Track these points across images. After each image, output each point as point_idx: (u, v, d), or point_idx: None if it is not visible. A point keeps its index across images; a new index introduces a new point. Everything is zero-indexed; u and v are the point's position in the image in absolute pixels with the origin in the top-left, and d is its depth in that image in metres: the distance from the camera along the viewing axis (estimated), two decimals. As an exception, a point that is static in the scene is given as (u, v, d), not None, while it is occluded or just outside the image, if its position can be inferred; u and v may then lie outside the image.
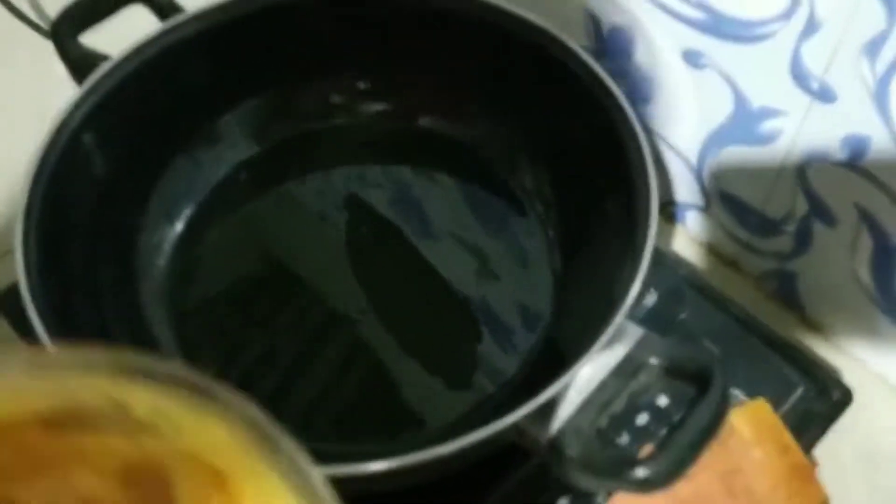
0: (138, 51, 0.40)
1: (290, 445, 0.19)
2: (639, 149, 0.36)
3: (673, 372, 0.33)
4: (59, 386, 0.19)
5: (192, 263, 0.44)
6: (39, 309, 0.33)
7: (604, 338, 0.32)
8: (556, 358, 0.38)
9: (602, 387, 0.33)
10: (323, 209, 0.45)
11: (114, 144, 0.40)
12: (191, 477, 0.20)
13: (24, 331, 0.43)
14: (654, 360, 0.33)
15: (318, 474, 0.19)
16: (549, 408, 0.32)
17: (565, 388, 0.32)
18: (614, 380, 0.33)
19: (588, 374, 0.33)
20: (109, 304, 0.38)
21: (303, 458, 0.19)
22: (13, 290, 0.42)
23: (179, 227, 0.43)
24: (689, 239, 0.52)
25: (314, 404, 0.41)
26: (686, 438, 0.30)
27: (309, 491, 0.19)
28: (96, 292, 0.38)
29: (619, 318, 0.32)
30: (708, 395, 0.30)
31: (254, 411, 0.19)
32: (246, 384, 0.40)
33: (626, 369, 0.33)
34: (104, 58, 0.40)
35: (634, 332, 0.34)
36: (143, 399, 0.19)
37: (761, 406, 0.40)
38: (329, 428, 0.40)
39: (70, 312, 0.35)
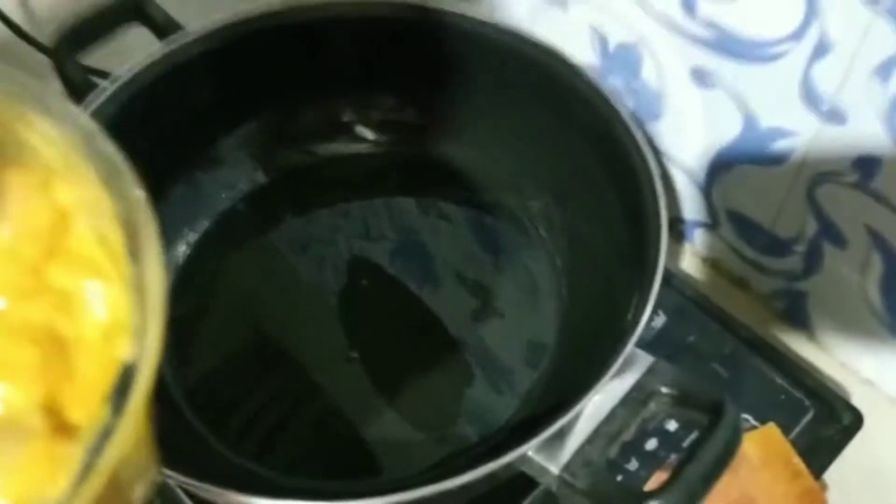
0: (138, 72, 0.39)
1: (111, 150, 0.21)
2: (649, 175, 0.35)
3: (683, 401, 0.32)
4: None
5: (191, 290, 0.43)
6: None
7: (615, 366, 0.31)
8: (558, 393, 0.37)
9: (612, 416, 0.32)
10: (322, 248, 0.45)
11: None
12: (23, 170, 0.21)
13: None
14: (664, 389, 0.32)
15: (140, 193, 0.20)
16: (559, 438, 0.31)
17: (575, 419, 0.31)
18: (624, 409, 0.32)
19: (598, 403, 0.32)
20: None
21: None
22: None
23: (180, 252, 0.43)
24: (696, 257, 0.51)
25: (299, 439, 0.40)
26: (698, 470, 0.30)
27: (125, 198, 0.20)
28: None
29: (630, 346, 0.32)
30: (720, 425, 0.30)
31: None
32: (235, 412, 0.40)
33: (636, 398, 0.33)
34: (104, 76, 0.40)
35: (644, 360, 0.33)
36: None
37: (771, 431, 0.39)
38: (320, 466, 0.40)
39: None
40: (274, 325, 0.43)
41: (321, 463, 0.40)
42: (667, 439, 0.40)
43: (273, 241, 0.45)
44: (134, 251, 0.19)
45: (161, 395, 0.39)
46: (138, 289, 0.19)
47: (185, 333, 0.41)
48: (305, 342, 0.43)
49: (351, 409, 0.41)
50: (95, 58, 0.41)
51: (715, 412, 0.31)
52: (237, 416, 0.40)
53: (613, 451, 0.32)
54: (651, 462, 0.39)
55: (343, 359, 0.42)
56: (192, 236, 0.44)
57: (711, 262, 0.51)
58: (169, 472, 0.30)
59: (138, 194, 0.20)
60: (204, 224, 0.44)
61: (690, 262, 0.51)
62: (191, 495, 0.39)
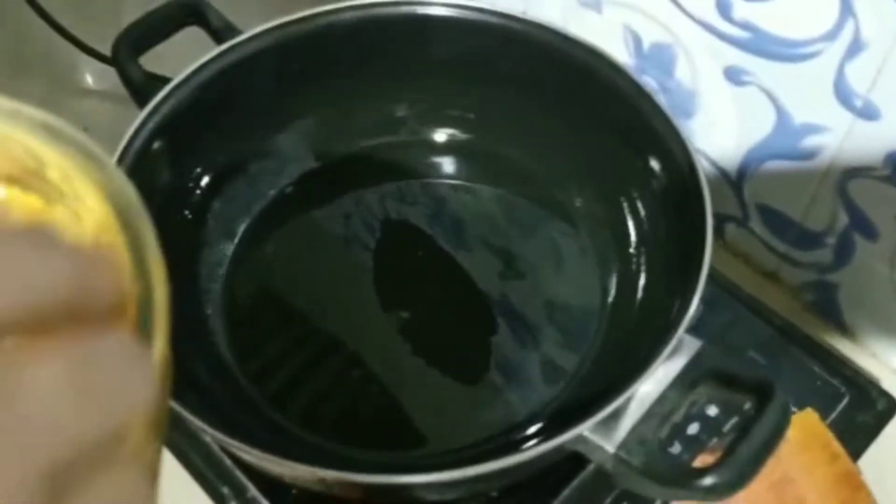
0: (198, 71, 0.41)
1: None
2: (694, 171, 0.37)
3: (731, 384, 0.34)
4: None
5: (245, 275, 0.45)
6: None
7: (667, 350, 0.33)
8: (604, 376, 0.39)
9: (663, 398, 0.34)
10: (369, 230, 0.46)
11: (176, 163, 0.41)
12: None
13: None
14: (712, 372, 0.34)
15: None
16: (614, 419, 0.33)
17: (628, 400, 0.33)
18: (674, 391, 0.34)
19: (648, 385, 0.34)
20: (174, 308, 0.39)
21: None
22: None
23: (236, 241, 0.45)
24: (727, 250, 0.53)
25: (353, 410, 0.42)
26: (750, 450, 0.31)
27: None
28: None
29: (681, 330, 0.33)
30: (770, 407, 0.31)
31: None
32: (289, 390, 0.41)
33: (684, 381, 0.34)
34: (164, 80, 0.41)
35: (692, 345, 0.35)
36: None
37: (810, 416, 0.41)
38: (372, 436, 0.41)
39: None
40: (320, 295, 0.45)
41: (366, 431, 0.41)
42: (708, 424, 0.41)
43: (319, 219, 0.47)
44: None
45: (212, 358, 0.41)
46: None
47: (243, 309, 0.43)
48: (351, 311, 0.44)
49: (398, 379, 0.42)
50: (153, 60, 0.43)
51: (763, 394, 0.32)
52: (284, 381, 0.42)
53: (664, 432, 0.34)
54: (693, 446, 0.41)
55: (390, 323, 0.43)
56: (246, 221, 0.45)
57: (742, 256, 0.52)
58: (215, 433, 0.32)
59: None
60: (257, 209, 0.46)
61: (721, 255, 0.53)
62: (234, 458, 0.40)
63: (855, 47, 0.38)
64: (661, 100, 0.40)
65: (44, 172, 0.21)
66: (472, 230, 0.46)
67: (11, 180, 0.21)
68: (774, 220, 0.49)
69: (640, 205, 0.42)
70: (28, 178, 0.21)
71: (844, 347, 0.48)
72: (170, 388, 0.20)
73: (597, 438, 0.33)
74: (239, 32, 0.42)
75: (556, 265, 0.44)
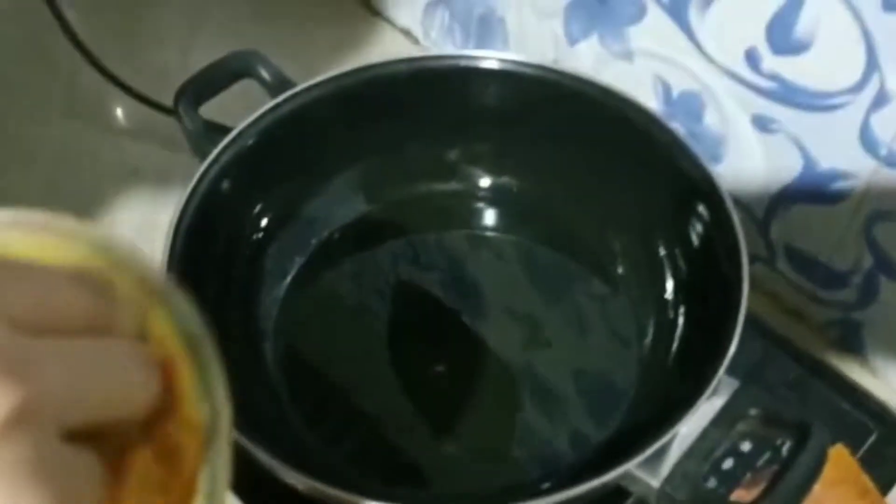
0: (257, 120, 0.43)
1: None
2: (728, 215, 0.39)
3: (770, 422, 0.35)
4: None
5: (295, 316, 0.47)
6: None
7: (709, 391, 0.35)
8: (646, 414, 0.40)
9: (704, 435, 0.35)
10: (413, 273, 0.48)
11: (237, 207, 0.43)
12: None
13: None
14: (752, 411, 0.35)
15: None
16: (659, 455, 0.35)
17: (673, 437, 0.35)
18: (715, 429, 0.36)
19: (691, 424, 0.35)
20: (234, 347, 0.42)
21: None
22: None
23: (288, 281, 0.47)
24: (753, 288, 0.54)
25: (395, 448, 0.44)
26: (790, 488, 0.33)
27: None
28: (225, 335, 0.41)
29: (722, 371, 0.35)
30: (809, 445, 0.33)
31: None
32: (335, 433, 0.43)
33: (725, 419, 0.36)
34: (223, 131, 0.44)
35: (730, 384, 0.36)
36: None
37: (840, 452, 0.42)
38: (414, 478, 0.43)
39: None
40: (357, 344, 0.47)
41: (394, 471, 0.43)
42: (741, 459, 0.43)
43: (363, 265, 0.49)
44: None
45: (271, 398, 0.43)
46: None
47: (293, 351, 0.45)
48: (387, 357, 0.46)
49: (429, 422, 0.44)
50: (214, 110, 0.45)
51: (802, 434, 0.34)
52: (327, 420, 0.44)
53: (705, 468, 0.36)
54: (729, 480, 0.42)
55: (422, 374, 0.45)
56: (299, 262, 0.47)
57: (769, 294, 0.54)
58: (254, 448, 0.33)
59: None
60: (309, 251, 0.48)
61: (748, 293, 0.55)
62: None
63: (880, 99, 0.40)
64: (698, 150, 0.42)
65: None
66: (510, 286, 0.48)
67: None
68: (801, 260, 0.51)
69: (677, 252, 0.44)
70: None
71: (869, 383, 0.50)
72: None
73: (643, 474, 0.34)
74: (292, 85, 0.45)
75: (583, 330, 0.46)
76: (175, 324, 0.22)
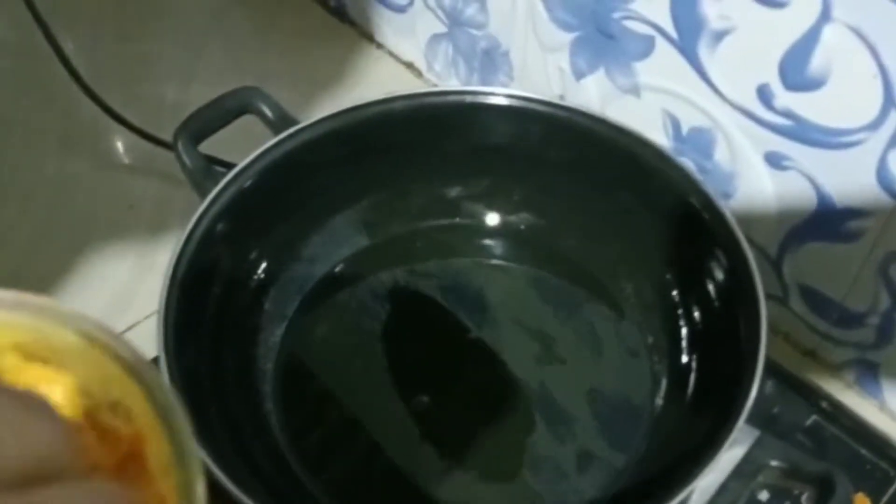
0: (257, 159, 0.42)
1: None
2: (743, 257, 0.37)
3: (792, 474, 0.34)
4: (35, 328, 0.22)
5: (295, 356, 0.45)
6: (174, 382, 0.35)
7: (728, 440, 0.33)
8: (660, 465, 0.39)
9: (724, 488, 0.34)
10: (414, 312, 0.47)
11: (236, 248, 0.42)
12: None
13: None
14: (773, 462, 0.34)
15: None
16: (677, 510, 0.33)
17: (691, 493, 0.33)
18: (735, 481, 0.34)
19: (710, 476, 0.34)
20: (232, 389, 0.40)
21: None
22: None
23: (287, 322, 0.45)
24: (766, 329, 0.53)
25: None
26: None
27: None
28: (217, 380, 0.40)
29: (742, 420, 0.34)
30: (834, 497, 0.32)
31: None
32: (340, 474, 0.42)
33: (745, 471, 0.34)
34: (222, 169, 0.42)
35: (750, 434, 0.35)
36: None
37: (861, 501, 0.41)
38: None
39: (196, 391, 0.37)
40: (362, 378, 0.46)
41: None
42: (760, 509, 0.41)
43: (366, 300, 0.48)
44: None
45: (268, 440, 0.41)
46: None
47: (293, 391, 0.44)
48: (387, 398, 0.45)
49: (437, 451, 0.42)
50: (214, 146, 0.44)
51: (825, 486, 0.32)
52: (329, 463, 0.42)
53: (725, 523, 0.34)
54: (746, 532, 0.41)
55: (430, 400, 0.44)
56: (297, 301, 0.46)
57: (782, 334, 0.53)
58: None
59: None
60: (307, 288, 0.47)
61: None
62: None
63: (898, 137, 0.39)
64: (711, 189, 0.41)
65: (82, 359, 0.22)
66: (520, 316, 0.47)
67: (46, 361, 0.22)
68: (815, 299, 0.49)
69: (692, 297, 0.43)
70: (65, 359, 0.22)
71: (886, 425, 0.48)
72: None
73: (660, 530, 0.33)
74: (294, 122, 0.44)
75: (599, 352, 0.45)
76: (146, 396, 0.22)
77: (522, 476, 0.42)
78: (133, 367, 0.22)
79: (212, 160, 0.44)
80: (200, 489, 0.21)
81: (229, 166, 0.43)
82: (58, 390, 0.22)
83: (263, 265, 0.45)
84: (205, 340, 0.40)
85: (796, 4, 0.39)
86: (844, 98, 0.41)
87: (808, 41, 0.40)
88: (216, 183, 0.41)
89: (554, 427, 0.43)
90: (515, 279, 0.48)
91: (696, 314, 0.43)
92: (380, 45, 0.69)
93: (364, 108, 0.44)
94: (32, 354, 0.22)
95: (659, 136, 0.50)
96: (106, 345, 0.22)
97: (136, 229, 0.57)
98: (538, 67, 0.55)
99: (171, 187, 0.57)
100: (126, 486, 0.21)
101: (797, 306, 0.51)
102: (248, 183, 0.41)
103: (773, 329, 0.53)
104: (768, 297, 0.52)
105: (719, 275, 0.41)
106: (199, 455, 0.21)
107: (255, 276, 0.45)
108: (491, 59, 0.59)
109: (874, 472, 0.43)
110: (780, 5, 0.40)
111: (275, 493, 0.37)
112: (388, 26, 0.67)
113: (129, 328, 0.52)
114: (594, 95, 0.52)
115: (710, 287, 0.42)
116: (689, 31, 0.44)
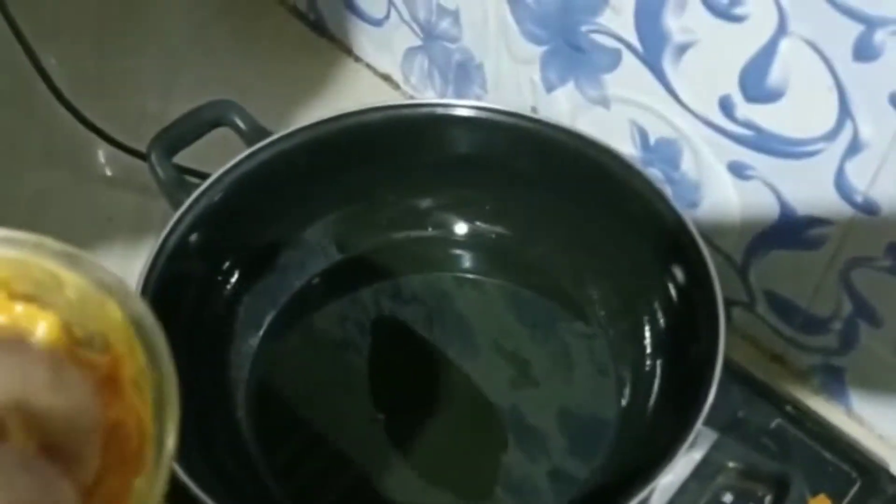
0: (230, 170, 0.43)
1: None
2: (704, 266, 0.38)
3: (749, 475, 0.35)
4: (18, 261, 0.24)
5: (269, 368, 0.46)
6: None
7: (688, 441, 0.34)
8: (624, 467, 0.40)
9: (683, 488, 0.35)
10: (383, 327, 0.48)
11: (209, 257, 0.43)
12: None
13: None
14: (731, 464, 0.35)
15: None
16: (637, 511, 0.34)
17: (651, 493, 0.34)
18: (694, 482, 0.35)
19: (669, 477, 0.35)
20: (204, 396, 0.41)
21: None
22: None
23: (261, 333, 0.46)
24: (733, 334, 0.54)
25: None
26: (771, 540, 0.32)
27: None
28: (190, 390, 0.41)
29: (700, 423, 0.34)
30: (789, 497, 0.32)
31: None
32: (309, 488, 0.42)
33: (705, 472, 0.35)
34: (196, 181, 0.43)
35: (709, 436, 0.36)
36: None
37: (822, 502, 0.42)
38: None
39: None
40: (334, 392, 0.46)
41: None
42: (724, 511, 0.42)
43: (338, 314, 0.48)
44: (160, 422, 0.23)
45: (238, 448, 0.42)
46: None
47: (267, 402, 0.45)
48: (356, 413, 0.45)
49: (410, 466, 0.43)
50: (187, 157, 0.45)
51: (780, 487, 0.33)
52: (302, 478, 0.43)
53: (685, 523, 0.35)
54: (710, 533, 0.42)
55: (404, 416, 0.44)
56: (272, 313, 0.47)
57: (750, 339, 0.54)
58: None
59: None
60: (282, 301, 0.47)
61: (729, 339, 0.54)
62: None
63: (854, 147, 0.41)
64: (674, 197, 0.42)
65: (62, 291, 0.24)
66: (487, 331, 0.47)
67: (30, 298, 0.24)
68: (780, 305, 0.50)
69: (655, 302, 0.44)
70: (47, 295, 0.24)
71: (853, 430, 0.49)
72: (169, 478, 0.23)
73: (620, 531, 0.34)
74: (267, 133, 0.44)
75: (568, 368, 0.46)
76: (124, 318, 0.24)
77: (496, 494, 0.42)
78: (111, 289, 0.24)
79: (188, 171, 0.45)
80: (174, 408, 0.23)
81: (205, 177, 0.44)
82: (42, 326, 0.23)
83: (237, 275, 0.45)
84: (178, 349, 0.40)
85: (754, 18, 0.40)
86: (802, 109, 0.42)
87: (766, 54, 0.41)
88: (189, 194, 0.42)
89: (525, 446, 0.44)
90: (486, 293, 0.49)
91: (660, 319, 0.44)
92: (358, 59, 0.70)
93: (336, 120, 0.45)
94: (16, 292, 0.24)
95: (628, 147, 0.51)
96: (87, 270, 0.24)
97: (115, 241, 0.58)
98: (511, 80, 0.56)
99: (150, 199, 0.58)
100: (103, 404, 0.22)
101: (763, 312, 0.52)
102: (221, 194, 0.42)
103: (740, 334, 0.54)
104: (735, 303, 0.53)
105: (681, 283, 0.42)
106: (174, 371, 0.23)
107: (229, 286, 0.45)
108: (465, 72, 0.60)
109: (836, 475, 0.44)
110: (739, 19, 0.41)
111: (243, 499, 0.38)
112: (365, 40, 0.68)
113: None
114: (565, 107, 0.53)
115: (673, 295, 0.43)
116: (653, 45, 0.45)
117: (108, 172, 0.63)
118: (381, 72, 0.68)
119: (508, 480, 0.42)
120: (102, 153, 0.62)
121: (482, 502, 0.42)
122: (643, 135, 0.51)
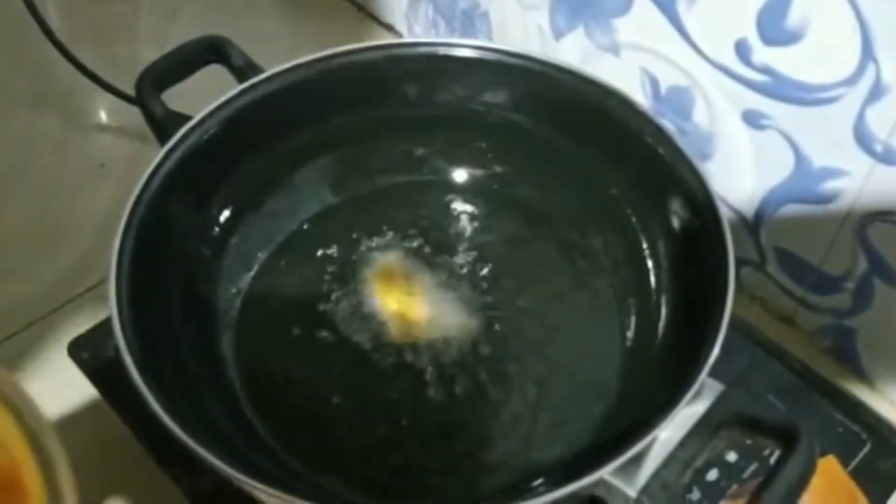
0: (218, 109, 0.41)
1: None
2: (716, 215, 0.37)
3: (754, 428, 0.33)
4: None
5: (258, 310, 0.44)
6: (129, 344, 0.34)
7: (690, 393, 0.32)
8: (627, 419, 0.38)
9: (685, 443, 0.33)
10: (379, 269, 0.46)
11: (195, 199, 0.41)
12: None
13: (94, 376, 0.45)
14: (735, 417, 0.33)
15: None
16: (635, 463, 0.32)
17: (651, 444, 0.32)
18: (696, 435, 0.33)
19: (671, 430, 0.33)
20: (187, 342, 0.40)
21: None
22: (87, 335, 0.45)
23: (252, 274, 0.44)
24: (742, 294, 0.52)
25: (356, 457, 0.41)
26: (776, 497, 0.30)
27: None
28: (175, 332, 0.39)
29: (705, 373, 0.33)
30: (796, 452, 0.31)
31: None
32: (297, 430, 0.41)
33: (708, 425, 0.33)
34: (186, 117, 0.41)
35: (714, 388, 0.34)
36: None
37: (831, 463, 0.40)
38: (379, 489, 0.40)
39: (152, 350, 0.36)
40: (327, 333, 0.44)
41: (371, 485, 0.40)
42: (727, 470, 0.41)
43: (330, 257, 0.46)
44: None
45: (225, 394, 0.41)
46: None
47: (255, 346, 0.43)
48: (353, 355, 0.43)
49: (410, 431, 0.41)
50: (175, 98, 0.43)
51: (788, 439, 0.32)
52: (292, 419, 0.42)
53: (687, 477, 0.33)
54: (713, 492, 0.40)
55: (397, 371, 0.43)
56: (263, 256, 0.45)
57: (759, 300, 0.52)
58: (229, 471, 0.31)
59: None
60: (274, 244, 0.46)
61: (737, 299, 0.52)
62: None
63: (876, 92, 0.39)
64: (682, 143, 0.40)
65: None
66: (487, 273, 0.46)
67: None
68: (792, 264, 0.49)
69: (660, 246, 0.42)
70: None
71: (862, 393, 0.48)
72: None
73: (618, 482, 0.32)
74: (260, 71, 0.43)
75: (572, 310, 0.44)
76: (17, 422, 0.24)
77: (495, 443, 0.41)
78: (8, 399, 0.24)
79: (179, 116, 0.43)
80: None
81: (195, 119, 0.42)
82: None
83: (225, 216, 0.44)
84: (164, 293, 0.39)
85: (774, -47, 0.38)
86: (822, 52, 0.40)
87: (786, -8, 0.39)
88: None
89: (526, 394, 0.42)
90: (486, 239, 0.47)
91: (665, 270, 0.42)
92: (361, 8, 0.68)
93: (333, 58, 0.43)
94: None
95: (638, 96, 0.49)
96: None
97: (107, 187, 0.57)
98: (517, 27, 0.54)
99: (144, 146, 0.56)
100: None
101: (774, 271, 0.50)
102: (211, 131, 0.40)
103: (749, 294, 0.52)
104: (745, 262, 0.51)
105: (690, 233, 0.40)
106: (69, 474, 0.23)
107: (216, 228, 0.43)
108: (470, 20, 0.58)
109: (846, 436, 0.42)
110: (758, -45, 0.39)
111: (231, 448, 0.37)
112: (369, -12, 0.66)
113: (93, 287, 0.51)
114: (574, 55, 0.51)
115: (682, 245, 0.41)
116: (666, -15, 0.43)
117: (102, 119, 0.61)
118: (385, 21, 0.67)
119: (510, 429, 0.41)
120: (96, 99, 0.61)
121: (482, 451, 0.40)
122: (654, 84, 0.49)
